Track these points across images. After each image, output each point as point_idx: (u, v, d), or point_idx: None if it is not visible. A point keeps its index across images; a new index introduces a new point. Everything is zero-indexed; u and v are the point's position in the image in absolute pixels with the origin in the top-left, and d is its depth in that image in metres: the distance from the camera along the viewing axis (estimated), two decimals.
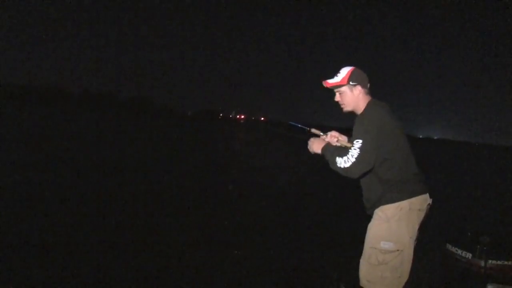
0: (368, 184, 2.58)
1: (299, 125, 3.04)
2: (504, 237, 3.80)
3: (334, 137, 2.82)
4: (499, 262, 3.40)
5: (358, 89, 2.63)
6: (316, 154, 2.73)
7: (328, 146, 2.65)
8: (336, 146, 2.66)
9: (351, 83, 2.63)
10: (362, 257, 2.54)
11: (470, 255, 3.47)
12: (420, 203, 2.49)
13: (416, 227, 2.51)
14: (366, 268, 2.49)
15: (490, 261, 3.40)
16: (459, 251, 3.55)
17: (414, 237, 2.51)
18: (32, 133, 18.62)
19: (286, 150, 22.16)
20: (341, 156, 2.45)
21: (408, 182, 2.48)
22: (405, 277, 2.48)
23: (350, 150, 2.43)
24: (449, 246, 3.66)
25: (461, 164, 30.77)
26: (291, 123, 3.22)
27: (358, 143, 2.41)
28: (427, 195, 2.54)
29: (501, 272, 3.37)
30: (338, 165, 2.45)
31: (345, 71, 2.66)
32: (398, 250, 2.43)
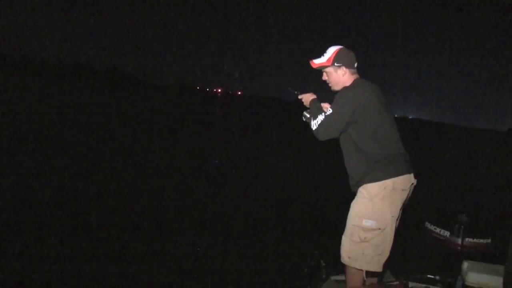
0: (353, 162, 2.58)
1: (292, 90, 3.04)
2: (481, 216, 3.90)
3: (326, 108, 2.80)
4: (475, 240, 3.50)
5: (343, 70, 2.62)
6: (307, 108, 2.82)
7: (314, 103, 2.75)
8: (319, 106, 2.71)
9: (335, 64, 2.62)
10: (344, 234, 2.55)
11: (448, 233, 3.55)
12: (404, 183, 2.49)
13: (399, 206, 2.53)
14: (347, 245, 2.51)
15: (467, 239, 3.50)
16: (438, 229, 3.63)
17: (396, 216, 2.52)
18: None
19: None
20: (314, 118, 2.57)
21: (393, 161, 2.48)
22: (385, 255, 2.50)
23: (319, 115, 2.53)
24: (428, 224, 3.73)
25: (438, 144, 31.47)
26: (289, 89, 3.25)
27: (328, 112, 2.51)
28: (411, 175, 2.55)
29: (477, 250, 3.47)
30: (311, 126, 2.59)
31: (331, 51, 2.64)
32: (380, 229, 2.44)
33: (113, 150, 10.31)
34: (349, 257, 2.50)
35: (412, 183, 2.56)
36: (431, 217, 3.82)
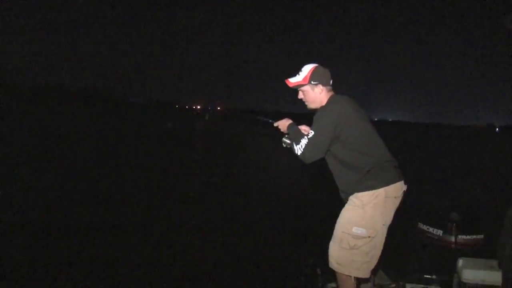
0: (344, 177, 2.58)
1: (267, 119, 3.05)
2: (472, 213, 3.93)
3: (305, 131, 2.79)
4: (468, 237, 3.53)
5: (320, 88, 2.63)
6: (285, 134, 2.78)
7: (291, 127, 2.71)
8: (298, 130, 2.68)
9: (312, 82, 2.63)
10: (333, 240, 2.55)
11: (441, 231, 3.57)
12: (396, 190, 2.50)
13: (392, 214, 2.53)
14: (337, 251, 2.51)
15: (460, 236, 3.52)
16: (431, 229, 3.65)
17: (388, 224, 2.53)
18: None
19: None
20: (297, 143, 2.54)
21: (383, 169, 2.48)
22: (374, 261, 2.51)
23: (302, 139, 2.51)
24: (420, 225, 3.75)
25: (422, 145, 32.01)
26: (258, 117, 3.22)
27: (310, 134, 2.50)
28: (402, 182, 2.55)
29: (471, 246, 3.49)
30: (294, 151, 2.56)
31: (306, 70, 2.65)
32: (370, 237, 2.44)
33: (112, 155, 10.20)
34: (338, 263, 2.50)
35: (404, 190, 2.57)
36: (423, 218, 3.84)
